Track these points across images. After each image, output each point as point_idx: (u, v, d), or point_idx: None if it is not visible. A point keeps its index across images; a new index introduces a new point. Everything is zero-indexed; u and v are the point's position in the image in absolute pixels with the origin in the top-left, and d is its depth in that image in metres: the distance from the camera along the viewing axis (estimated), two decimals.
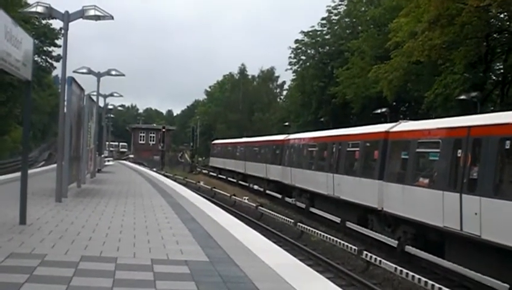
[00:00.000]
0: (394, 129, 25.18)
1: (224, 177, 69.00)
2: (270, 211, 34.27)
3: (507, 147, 16.83)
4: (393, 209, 23.36)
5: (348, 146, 30.02)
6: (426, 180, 21.43)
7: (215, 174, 75.32)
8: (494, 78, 47.87)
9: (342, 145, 30.75)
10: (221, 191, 47.80)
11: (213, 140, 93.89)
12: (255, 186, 51.37)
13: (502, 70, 46.77)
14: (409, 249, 21.46)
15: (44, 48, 69.73)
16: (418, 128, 23.20)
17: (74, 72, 31.51)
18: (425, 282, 16.67)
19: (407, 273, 17.72)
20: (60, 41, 66.34)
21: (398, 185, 23.06)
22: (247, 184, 56.01)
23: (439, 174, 20.41)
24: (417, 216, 21.19)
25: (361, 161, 28.30)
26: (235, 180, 62.07)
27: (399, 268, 18.31)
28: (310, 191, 35.57)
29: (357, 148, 28.77)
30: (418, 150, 22.42)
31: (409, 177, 22.47)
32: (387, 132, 25.39)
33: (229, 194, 44.18)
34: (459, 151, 19.04)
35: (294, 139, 42.41)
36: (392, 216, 23.58)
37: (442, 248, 19.85)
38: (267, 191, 46.89)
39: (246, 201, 40.36)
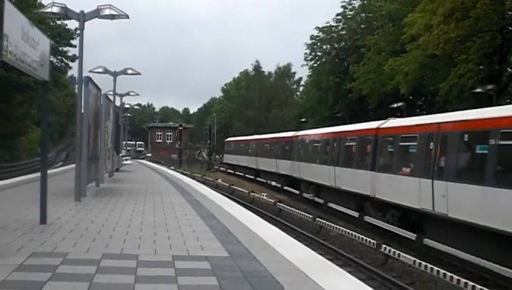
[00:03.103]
0: (383, 126, 28.50)
1: (238, 173, 70.82)
2: (289, 207, 34.34)
3: (465, 139, 20.66)
4: (383, 195, 26.62)
5: (347, 141, 33.35)
6: (407, 170, 24.48)
7: (232, 172, 75.61)
8: (510, 70, 47.68)
9: (342, 141, 34.08)
10: (239, 188, 47.88)
11: (226, 138, 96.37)
12: (273, 183, 51.59)
13: None
14: (428, 241, 21.76)
15: (60, 48, 69.95)
16: (401, 125, 26.92)
17: (90, 71, 31.58)
18: (444, 274, 16.73)
19: (426, 266, 17.80)
20: (75, 42, 66.57)
21: (386, 175, 26.52)
22: (260, 179, 57.70)
23: (417, 164, 23.65)
24: (401, 201, 24.55)
25: (357, 155, 31.57)
26: (252, 177, 62.57)
27: (418, 261, 18.40)
28: (315, 183, 38.66)
29: (354, 143, 32.15)
30: (401, 143, 25.67)
31: (394, 168, 25.91)
32: (377, 128, 28.80)
33: (247, 191, 44.25)
34: (431, 144, 22.43)
35: (302, 135, 45.67)
36: (382, 202, 26.73)
37: (422, 227, 23.05)
38: (285, 187, 47.04)
39: (264, 197, 40.44)
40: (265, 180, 55.58)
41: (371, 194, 27.81)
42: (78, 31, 25.97)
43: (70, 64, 71.88)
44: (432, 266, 17.59)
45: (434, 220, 21.76)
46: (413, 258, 18.78)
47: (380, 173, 27.22)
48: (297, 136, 46.79)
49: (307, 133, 45.14)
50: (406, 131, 25.63)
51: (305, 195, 40.35)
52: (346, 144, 33.27)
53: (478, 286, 15.17)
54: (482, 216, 18.36)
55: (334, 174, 33.83)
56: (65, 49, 71.32)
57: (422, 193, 22.30)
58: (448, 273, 16.61)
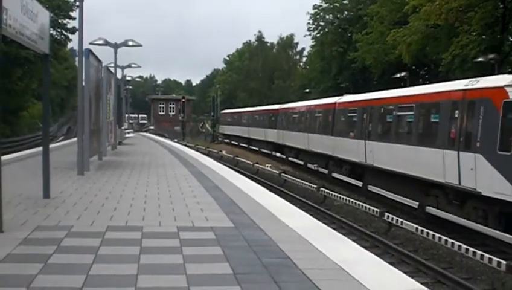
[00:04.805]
0: (339, 101, 36.28)
1: (243, 145, 73.01)
2: (293, 178, 34.42)
3: (382, 112, 28.47)
4: (339, 154, 34.07)
5: (316, 113, 41.45)
6: (352, 134, 31.88)
7: (237, 143, 75.95)
8: (511, 40, 47.47)
9: (312, 112, 42.41)
10: (243, 160, 47.89)
11: (222, 110, 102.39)
12: (277, 154, 52.07)
13: None
14: (430, 209, 22.00)
15: (59, 21, 69.38)
16: (349, 100, 34.69)
17: (91, 44, 31.30)
18: (446, 240, 16.87)
19: (428, 233, 17.94)
20: (74, 14, 66.12)
21: (341, 138, 33.91)
22: (265, 151, 59.33)
23: (357, 129, 31.36)
24: (349, 157, 32.00)
25: (322, 123, 39.30)
26: (257, 149, 63.31)
27: (420, 228, 18.53)
28: (295, 148, 46.34)
29: (320, 114, 40.11)
30: (348, 114, 33.57)
31: (345, 133, 33.33)
32: (335, 103, 36.48)
33: (251, 162, 44.28)
34: (364, 115, 30.35)
35: (284, 108, 53.56)
36: (339, 159, 34.01)
37: (364, 176, 30.19)
38: (290, 158, 47.40)
39: (269, 168, 40.52)
40: (269, 152, 56.12)
41: (332, 153, 35.27)
42: (77, 3, 25.72)
43: (70, 36, 71.42)
44: (434, 233, 17.70)
45: (368, 169, 29.43)
46: (416, 226, 18.91)
47: (337, 137, 34.68)
48: (282, 108, 54.70)
49: (288, 106, 52.94)
50: (352, 105, 33.40)
51: (310, 166, 40.68)
52: (315, 115, 41.44)
53: (479, 252, 15.27)
54: (391, 164, 26.19)
55: (308, 140, 41.61)
56: (64, 21, 70.84)
57: (359, 151, 30.16)
58: (450, 240, 16.73)
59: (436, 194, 22.48)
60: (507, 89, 18.59)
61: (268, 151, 56.05)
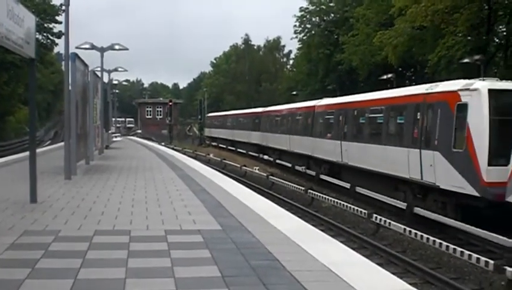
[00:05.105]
0: (318, 104, 38.95)
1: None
2: (281, 180, 34.41)
3: (355, 114, 31.03)
4: (318, 154, 36.77)
5: (297, 116, 44.05)
6: (329, 135, 34.77)
7: (224, 146, 76.03)
8: (497, 40, 47.71)
9: (293, 115, 45.28)
10: (231, 163, 47.90)
11: (209, 113, 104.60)
12: (265, 157, 52.15)
13: (505, 33, 46.55)
14: (418, 210, 22.13)
15: (45, 25, 69.19)
16: (327, 104, 37.54)
17: (77, 48, 31.13)
18: (434, 241, 16.99)
19: (416, 234, 18.05)
20: (60, 18, 65.90)
21: (319, 139, 36.63)
22: (253, 153, 59.49)
23: (333, 130, 34.28)
24: (327, 157, 34.54)
25: (302, 125, 41.94)
26: (244, 152, 63.24)
27: (408, 229, 18.64)
28: (277, 149, 49.24)
29: (301, 117, 42.73)
30: (326, 116, 36.49)
31: (323, 134, 36.09)
32: (314, 106, 39.22)
33: (239, 165, 44.26)
34: (340, 117, 33.08)
35: (267, 111, 56.45)
36: (318, 159, 36.69)
37: (340, 174, 32.61)
38: (277, 161, 47.48)
39: (257, 171, 40.52)
40: (257, 154, 56.29)
41: (311, 154, 38.00)
42: (63, 7, 25.59)
43: (56, 40, 71.23)
44: (422, 233, 17.81)
45: (344, 168, 32.12)
46: (404, 227, 19.01)
47: (316, 138, 37.32)
48: (265, 111, 57.32)
49: (271, 109, 55.72)
50: (329, 108, 36.21)
51: (298, 168, 40.80)
52: (296, 117, 44.07)
53: (466, 252, 15.37)
54: (363, 162, 28.86)
55: (289, 141, 44.38)
56: (51, 25, 70.64)
57: (336, 150, 32.73)
58: (438, 240, 16.83)
59: (403, 189, 24.92)
60: (460, 92, 20.81)
61: (256, 154, 57.26)
